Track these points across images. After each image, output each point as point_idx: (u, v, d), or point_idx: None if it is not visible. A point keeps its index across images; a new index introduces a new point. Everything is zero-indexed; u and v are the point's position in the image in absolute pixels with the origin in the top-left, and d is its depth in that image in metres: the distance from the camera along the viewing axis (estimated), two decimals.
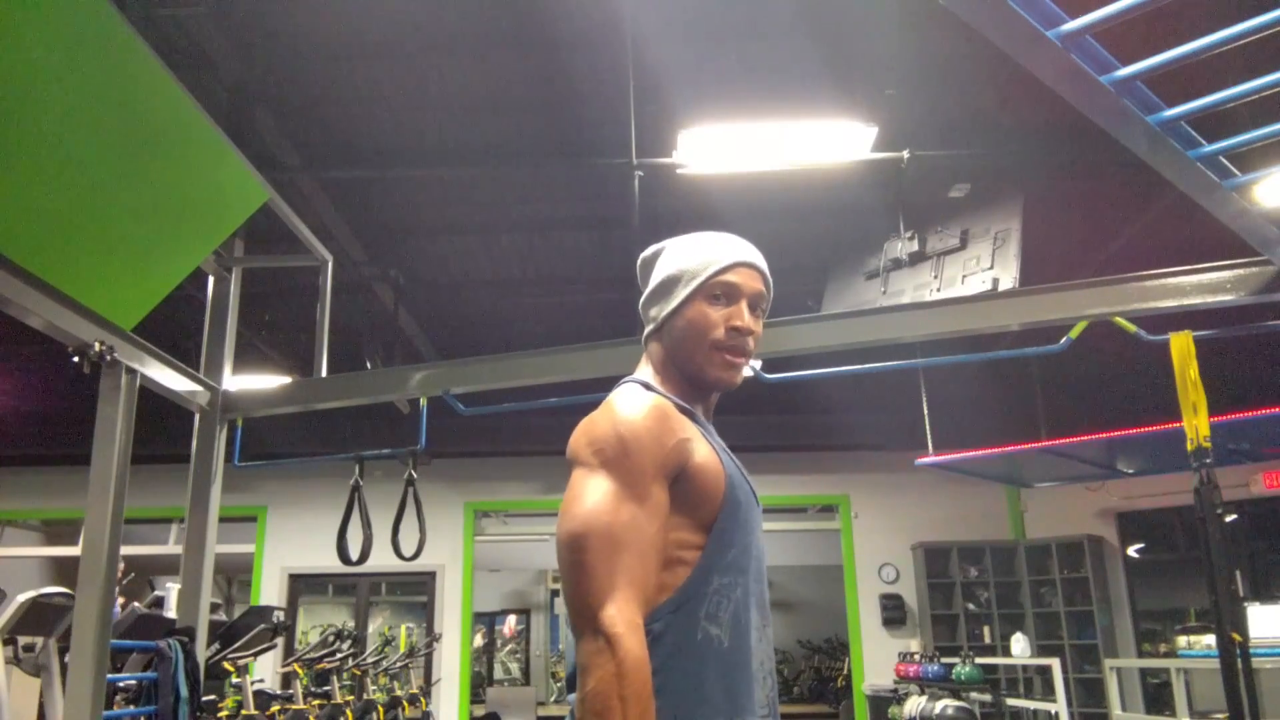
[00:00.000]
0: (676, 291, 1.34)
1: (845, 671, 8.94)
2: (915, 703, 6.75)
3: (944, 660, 7.16)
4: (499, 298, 6.83)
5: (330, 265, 3.61)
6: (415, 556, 3.99)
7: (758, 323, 1.35)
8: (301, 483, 8.78)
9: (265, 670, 7.93)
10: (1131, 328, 2.84)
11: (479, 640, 13.50)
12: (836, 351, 3.13)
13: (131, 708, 3.03)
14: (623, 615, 1.08)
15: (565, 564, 1.13)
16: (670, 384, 1.34)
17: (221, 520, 3.20)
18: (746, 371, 1.43)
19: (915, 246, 4.98)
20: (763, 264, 1.37)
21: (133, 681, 3.08)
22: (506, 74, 4.41)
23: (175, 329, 5.16)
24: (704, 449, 1.26)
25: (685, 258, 1.36)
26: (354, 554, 3.93)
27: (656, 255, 1.42)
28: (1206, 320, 2.77)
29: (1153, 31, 1.69)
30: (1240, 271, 2.53)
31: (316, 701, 5.92)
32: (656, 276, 1.39)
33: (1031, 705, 7.40)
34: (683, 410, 1.29)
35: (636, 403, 1.23)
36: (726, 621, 1.20)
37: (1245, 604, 5.11)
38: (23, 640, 3.09)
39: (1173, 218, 4.82)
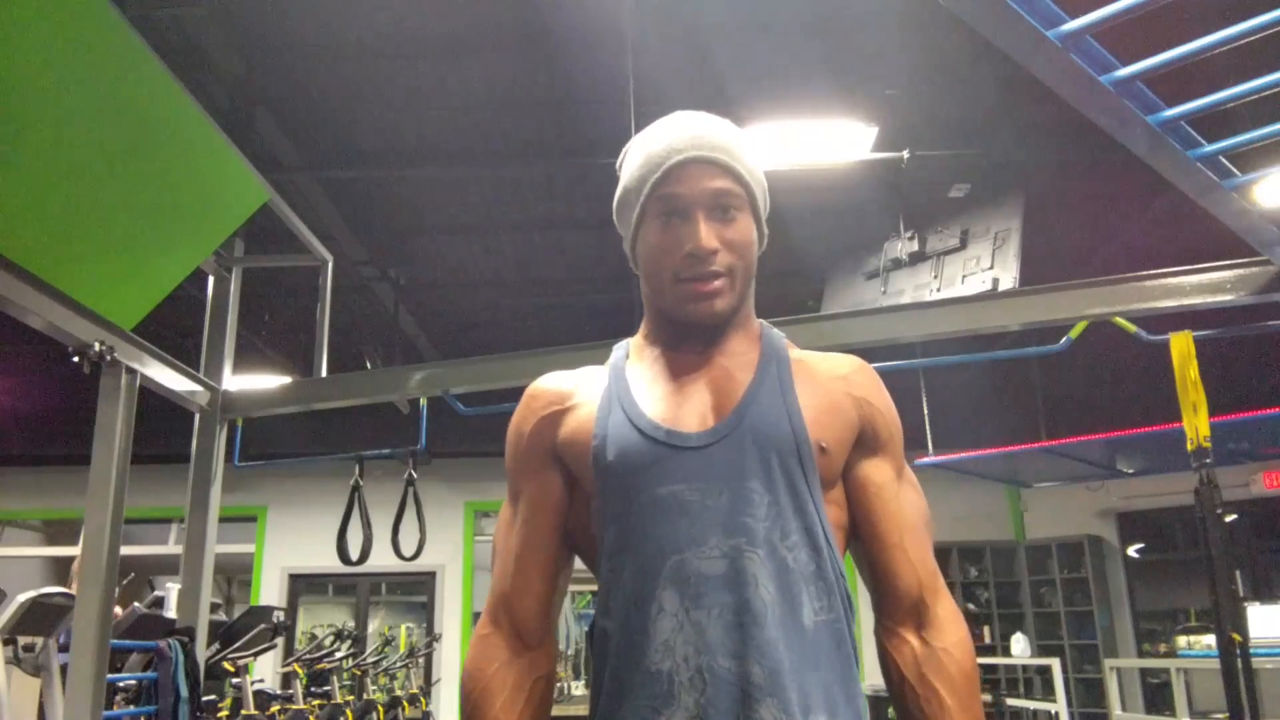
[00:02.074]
0: (630, 216, 1.12)
1: None
2: None
3: None
4: (499, 298, 6.83)
5: (330, 265, 3.61)
6: (415, 556, 3.99)
7: (730, 227, 1.06)
8: (301, 483, 8.77)
9: (265, 670, 7.93)
10: (1131, 328, 2.83)
11: None
12: (836, 352, 3.12)
13: (131, 708, 3.03)
14: (476, 628, 1.12)
15: None
16: (649, 325, 1.17)
17: (221, 520, 3.19)
18: None
19: (915, 246, 4.98)
20: (714, 149, 1.06)
21: (133, 681, 3.09)
22: (506, 74, 4.41)
23: (175, 329, 5.16)
24: (580, 414, 1.09)
25: (630, 168, 1.12)
26: (354, 554, 3.93)
27: (623, 159, 1.16)
28: (1206, 320, 2.77)
29: (1152, 31, 1.69)
30: (1240, 271, 2.53)
31: (316, 702, 5.91)
32: (617, 192, 1.16)
33: (1031, 705, 7.39)
34: (613, 365, 1.14)
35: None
36: (616, 612, 1.01)
37: (1245, 604, 5.10)
38: (23, 640, 3.09)
39: (1173, 218, 4.82)
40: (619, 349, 1.19)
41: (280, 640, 5.92)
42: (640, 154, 1.11)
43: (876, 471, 1.11)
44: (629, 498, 1.02)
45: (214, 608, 3.74)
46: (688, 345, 1.12)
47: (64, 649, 3.01)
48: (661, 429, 1.04)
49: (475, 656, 1.08)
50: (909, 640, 1.05)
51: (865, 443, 1.11)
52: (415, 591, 10.03)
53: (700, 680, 0.94)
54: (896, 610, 1.07)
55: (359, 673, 6.85)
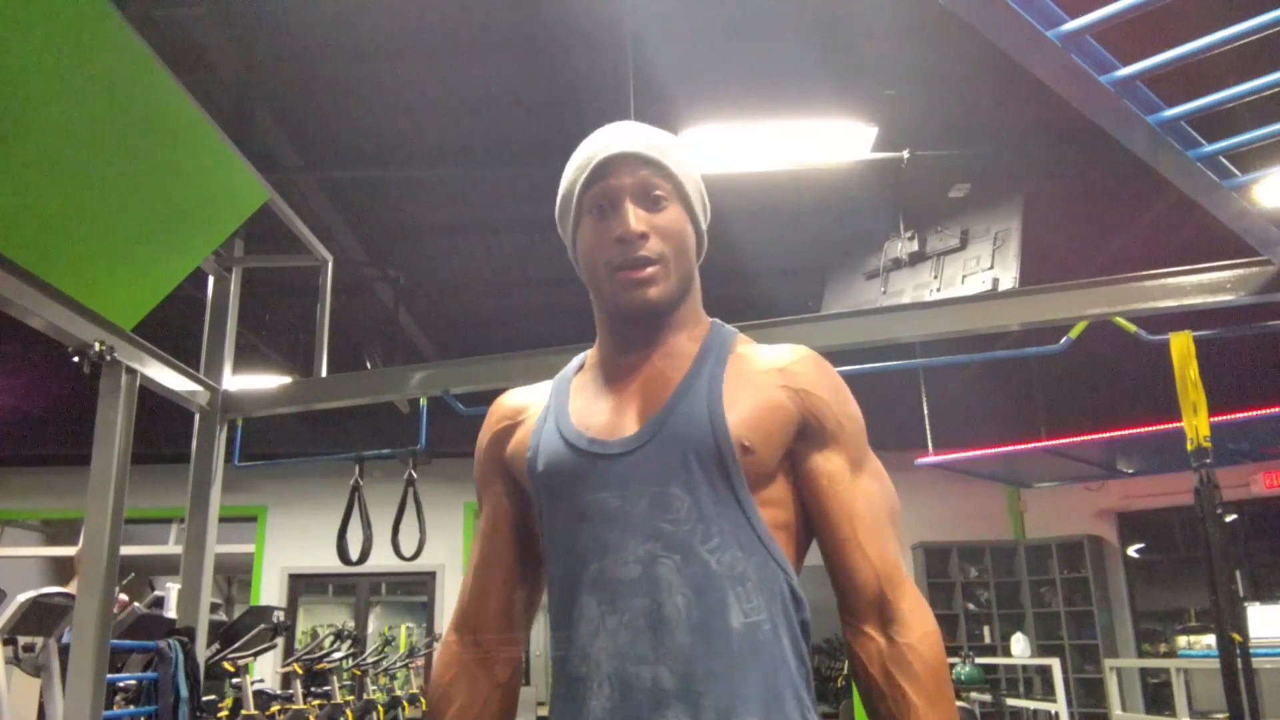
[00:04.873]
0: (567, 221, 1.13)
1: (845, 671, 8.93)
2: None
3: None
4: (499, 298, 6.84)
5: (330, 265, 3.61)
6: (415, 556, 3.99)
7: (659, 215, 1.06)
8: (301, 483, 8.78)
9: (265, 670, 7.93)
10: (1131, 328, 2.83)
11: None
12: (836, 351, 3.12)
13: (131, 708, 3.03)
14: (443, 636, 1.17)
15: None
16: (598, 334, 1.16)
17: (221, 520, 3.19)
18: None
19: (915, 246, 4.98)
20: (637, 142, 1.07)
21: (133, 681, 3.08)
22: (507, 74, 4.41)
23: (175, 329, 5.15)
24: (526, 428, 1.12)
25: (565, 176, 1.14)
26: (354, 554, 3.93)
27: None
28: (1206, 320, 2.77)
29: (1152, 31, 1.69)
30: (1240, 271, 2.53)
31: (316, 702, 5.91)
32: (556, 204, 1.17)
33: (1031, 705, 7.40)
34: (569, 376, 1.15)
35: None
36: (559, 619, 1.03)
37: (1245, 604, 5.11)
38: (23, 640, 3.09)
39: (1173, 218, 4.82)
40: (575, 360, 1.19)
41: (280, 640, 5.93)
42: (571, 163, 1.12)
43: (826, 463, 1.05)
44: (557, 508, 1.04)
45: (214, 608, 3.74)
46: (630, 347, 1.10)
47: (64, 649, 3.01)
48: (584, 438, 1.04)
49: (436, 665, 1.14)
50: (873, 637, 1.02)
51: (810, 435, 1.05)
52: (415, 591, 10.04)
53: (609, 686, 0.94)
54: (857, 606, 1.03)
55: (359, 673, 6.85)
